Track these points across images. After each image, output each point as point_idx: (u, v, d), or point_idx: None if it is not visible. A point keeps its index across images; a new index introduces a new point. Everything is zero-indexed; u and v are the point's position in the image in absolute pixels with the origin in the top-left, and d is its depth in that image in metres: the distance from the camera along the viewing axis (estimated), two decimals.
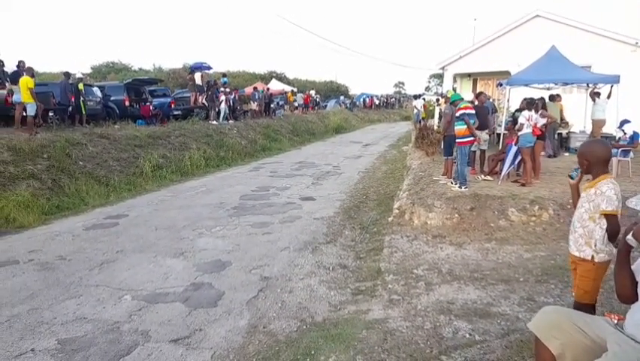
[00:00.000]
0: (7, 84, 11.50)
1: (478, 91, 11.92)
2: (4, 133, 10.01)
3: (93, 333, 3.90)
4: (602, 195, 2.58)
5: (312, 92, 35.08)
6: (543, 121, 8.12)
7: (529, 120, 7.59)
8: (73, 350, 3.62)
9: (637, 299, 1.94)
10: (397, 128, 30.11)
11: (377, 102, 47.96)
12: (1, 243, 6.52)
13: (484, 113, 8.77)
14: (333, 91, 51.77)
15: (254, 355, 3.57)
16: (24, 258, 5.80)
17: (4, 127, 10.88)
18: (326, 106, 38.94)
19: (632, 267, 2.10)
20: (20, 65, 11.88)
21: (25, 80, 10.34)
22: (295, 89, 33.75)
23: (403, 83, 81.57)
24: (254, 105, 21.93)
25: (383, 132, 27.79)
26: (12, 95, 10.73)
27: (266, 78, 39.16)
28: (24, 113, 10.54)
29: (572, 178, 2.94)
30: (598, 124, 10.82)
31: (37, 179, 8.93)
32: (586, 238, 2.70)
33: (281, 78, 41.99)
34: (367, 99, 46.60)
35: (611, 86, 9.98)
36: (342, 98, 45.56)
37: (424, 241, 6.01)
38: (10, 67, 12.40)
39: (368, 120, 37.53)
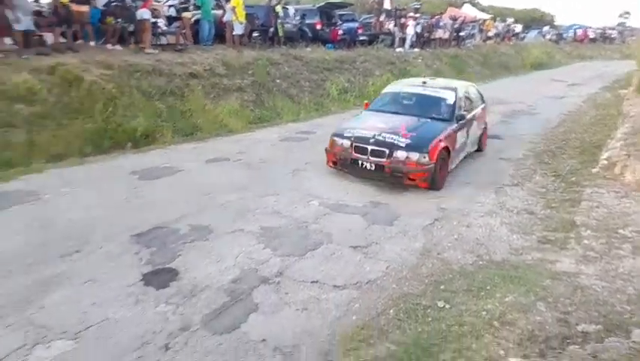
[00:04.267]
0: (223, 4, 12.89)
1: None
2: (219, 49, 11.47)
3: (287, 227, 4.50)
4: None
5: (510, 21, 30.99)
6: None
7: None
8: (272, 236, 4.26)
9: None
10: (615, 67, 24.70)
11: (592, 36, 39.90)
12: (216, 142, 7.84)
13: None
14: (535, 20, 44.75)
15: (427, 276, 3.65)
16: (234, 157, 6.88)
17: (219, 44, 12.45)
18: (525, 37, 34.15)
19: None
20: None
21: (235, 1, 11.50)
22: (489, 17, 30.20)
23: (628, 14, 65.10)
24: (440, 33, 20.48)
25: (596, 71, 23.21)
26: (224, 15, 12.06)
27: (457, 4, 35.90)
28: (233, 32, 11.86)
29: None
30: None
31: (244, 92, 10.24)
32: None
33: (474, 4, 37.97)
34: (579, 31, 39.12)
35: None
36: (545, 28, 39.16)
37: (638, 200, 5.04)
38: None
39: (577, 56, 31.74)
